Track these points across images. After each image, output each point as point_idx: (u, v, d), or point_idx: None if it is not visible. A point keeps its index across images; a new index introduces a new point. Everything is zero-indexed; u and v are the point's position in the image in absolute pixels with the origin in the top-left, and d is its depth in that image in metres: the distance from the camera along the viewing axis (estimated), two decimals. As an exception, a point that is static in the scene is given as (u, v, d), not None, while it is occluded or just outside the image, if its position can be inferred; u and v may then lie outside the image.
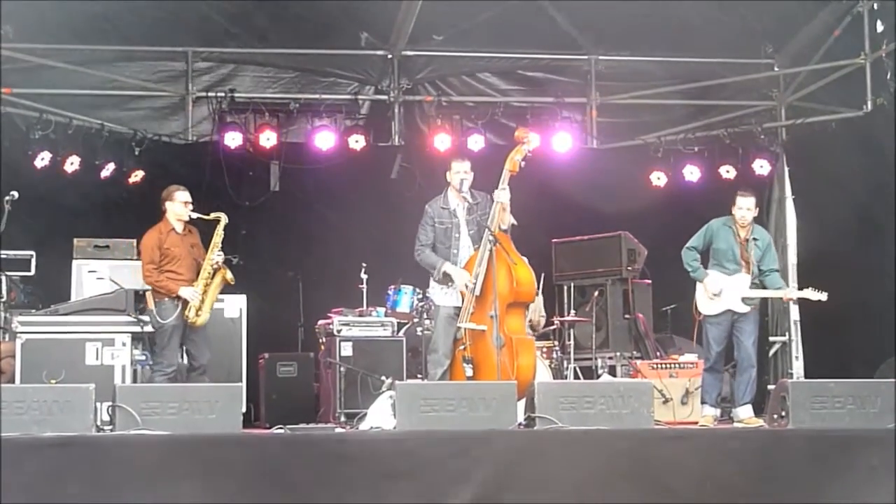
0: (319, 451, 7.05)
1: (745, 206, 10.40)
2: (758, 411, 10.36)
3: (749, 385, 10.31)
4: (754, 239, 10.46)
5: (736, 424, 10.25)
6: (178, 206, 10.36)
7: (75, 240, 12.04)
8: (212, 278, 10.26)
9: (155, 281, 10.25)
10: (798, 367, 14.16)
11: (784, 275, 14.46)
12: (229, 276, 10.32)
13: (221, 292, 10.97)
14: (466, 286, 9.45)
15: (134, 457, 6.72)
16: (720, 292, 10.31)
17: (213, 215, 10.37)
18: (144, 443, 7.01)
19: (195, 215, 10.36)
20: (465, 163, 9.85)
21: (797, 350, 14.43)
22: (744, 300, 10.33)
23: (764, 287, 10.50)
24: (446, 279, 9.62)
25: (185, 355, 10.44)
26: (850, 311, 12.02)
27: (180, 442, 7.02)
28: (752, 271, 10.36)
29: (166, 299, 10.22)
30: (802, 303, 11.46)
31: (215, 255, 10.25)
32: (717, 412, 10.54)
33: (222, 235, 10.32)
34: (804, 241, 13.97)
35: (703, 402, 10.60)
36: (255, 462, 6.86)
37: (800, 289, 10.99)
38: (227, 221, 10.37)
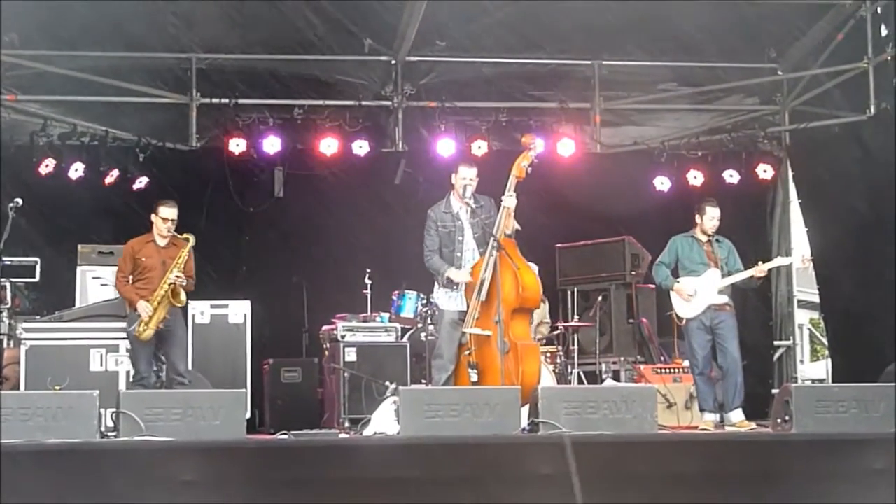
0: (323, 457, 7.07)
1: (715, 216, 10.72)
2: (762, 415, 10.33)
3: (737, 389, 10.42)
4: (716, 240, 10.78)
5: (728, 429, 10.28)
6: (159, 220, 10.19)
7: (80, 246, 12.07)
8: (169, 297, 10.01)
9: (120, 290, 10.24)
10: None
11: (788, 279, 14.58)
12: (182, 297, 10.05)
13: (220, 298, 10.99)
14: (467, 285, 9.47)
15: (138, 463, 6.74)
16: (695, 293, 10.53)
17: (183, 236, 10.17)
18: (148, 449, 7.03)
19: (169, 233, 10.16)
20: (473, 169, 9.82)
21: (802, 354, 14.37)
22: (720, 292, 10.52)
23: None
24: (450, 284, 9.64)
25: (163, 363, 10.30)
26: (858, 312, 12.21)
27: (184, 448, 7.04)
28: (721, 266, 10.60)
29: (131, 310, 10.15)
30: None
31: (172, 276, 9.97)
32: (717, 417, 10.58)
33: (186, 258, 10.08)
34: (813, 245, 13.99)
35: (701, 410, 10.67)
36: (259, 468, 6.87)
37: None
38: (193, 244, 10.15)
